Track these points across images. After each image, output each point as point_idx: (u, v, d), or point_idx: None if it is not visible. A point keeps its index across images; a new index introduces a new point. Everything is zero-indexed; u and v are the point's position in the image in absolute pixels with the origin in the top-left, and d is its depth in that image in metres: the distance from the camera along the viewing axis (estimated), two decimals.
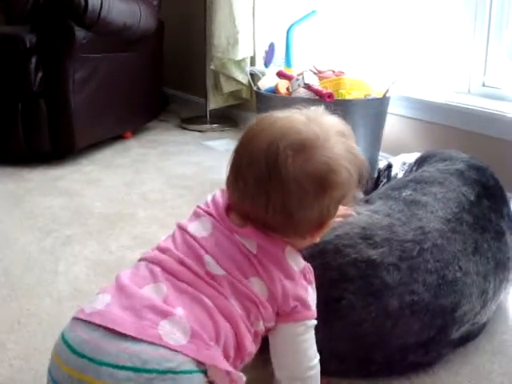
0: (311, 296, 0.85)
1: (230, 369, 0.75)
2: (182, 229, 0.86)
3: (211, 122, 3.02)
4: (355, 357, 1.02)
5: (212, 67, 2.87)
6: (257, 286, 0.80)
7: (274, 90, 1.98)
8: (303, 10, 2.41)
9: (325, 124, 0.82)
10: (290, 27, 2.38)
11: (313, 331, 0.86)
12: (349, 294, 0.98)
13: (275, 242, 0.83)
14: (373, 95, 1.85)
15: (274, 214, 0.79)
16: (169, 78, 3.30)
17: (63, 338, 0.73)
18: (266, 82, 2.08)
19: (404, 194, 1.20)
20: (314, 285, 0.86)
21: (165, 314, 0.72)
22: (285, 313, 0.83)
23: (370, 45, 2.30)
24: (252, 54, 2.85)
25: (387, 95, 1.87)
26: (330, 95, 1.74)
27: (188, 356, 0.70)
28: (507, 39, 1.88)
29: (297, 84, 1.81)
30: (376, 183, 1.78)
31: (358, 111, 1.82)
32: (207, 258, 0.80)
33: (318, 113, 0.84)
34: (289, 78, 1.91)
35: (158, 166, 2.36)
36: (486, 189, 1.25)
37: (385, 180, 1.66)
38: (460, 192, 1.20)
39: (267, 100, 1.96)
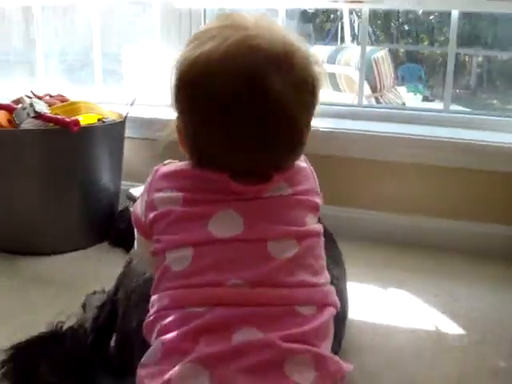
0: None
1: None
2: (209, 242, 0.65)
3: None
4: None
5: None
6: (312, 221, 0.72)
7: None
8: None
9: (273, 27, 0.69)
10: None
11: None
12: None
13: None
14: (109, 118, 1.55)
15: (283, 144, 0.69)
16: None
17: None
18: None
19: None
20: None
21: None
22: None
23: (93, 63, 2.00)
24: None
25: (127, 116, 1.60)
26: (76, 123, 1.38)
27: None
28: None
29: (25, 114, 1.38)
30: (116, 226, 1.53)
31: (103, 138, 1.51)
32: (271, 245, 0.66)
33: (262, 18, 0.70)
34: (7, 108, 1.45)
35: None
36: None
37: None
38: None
39: None
